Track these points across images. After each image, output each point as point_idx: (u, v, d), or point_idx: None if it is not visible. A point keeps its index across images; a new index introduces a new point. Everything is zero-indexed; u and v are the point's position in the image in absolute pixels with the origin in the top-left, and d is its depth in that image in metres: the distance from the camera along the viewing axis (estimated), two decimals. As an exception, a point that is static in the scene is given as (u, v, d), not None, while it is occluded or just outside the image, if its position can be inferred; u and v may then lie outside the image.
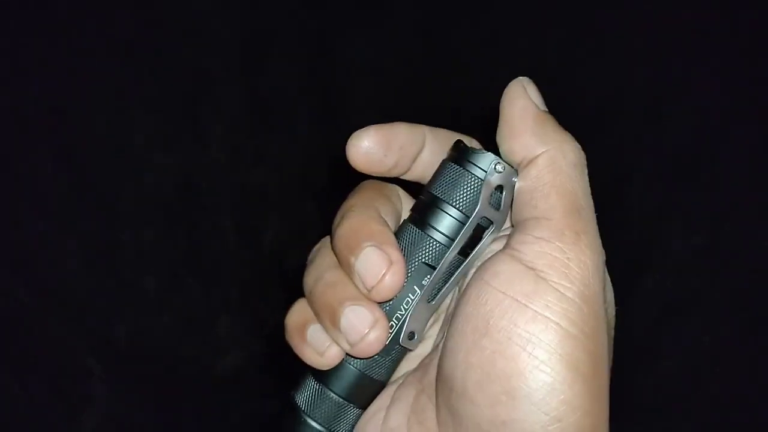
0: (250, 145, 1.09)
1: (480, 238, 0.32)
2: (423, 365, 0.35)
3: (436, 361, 0.34)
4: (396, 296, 0.31)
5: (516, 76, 0.33)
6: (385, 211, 0.33)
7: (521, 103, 0.31)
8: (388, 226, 0.32)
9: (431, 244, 0.32)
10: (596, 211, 0.31)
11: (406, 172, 0.35)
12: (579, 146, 0.31)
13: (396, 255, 0.30)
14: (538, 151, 0.30)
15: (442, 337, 0.35)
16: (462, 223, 0.32)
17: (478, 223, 0.32)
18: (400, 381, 0.35)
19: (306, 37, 1.13)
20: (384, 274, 0.30)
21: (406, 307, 0.32)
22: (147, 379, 0.99)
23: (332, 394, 0.33)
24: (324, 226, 0.35)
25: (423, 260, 0.32)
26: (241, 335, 1.01)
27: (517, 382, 0.27)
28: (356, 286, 0.31)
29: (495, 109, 0.32)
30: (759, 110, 1.06)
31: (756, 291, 1.00)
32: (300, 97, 1.11)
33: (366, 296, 0.31)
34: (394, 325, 0.32)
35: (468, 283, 0.31)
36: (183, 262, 1.04)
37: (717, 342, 1.00)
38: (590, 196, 0.30)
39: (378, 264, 0.30)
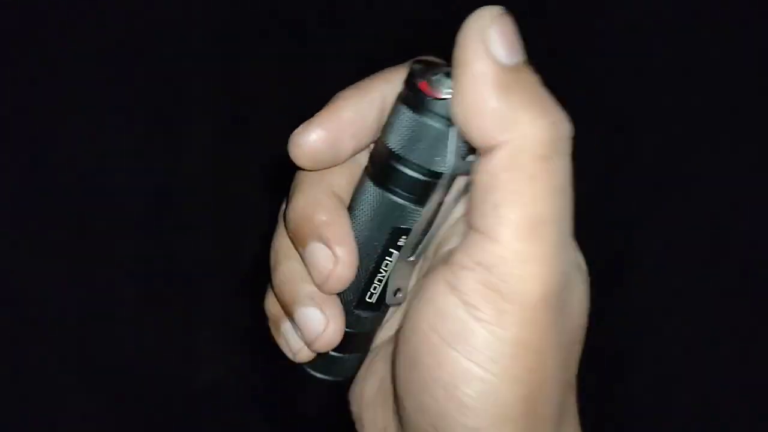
0: (228, 156, 1.09)
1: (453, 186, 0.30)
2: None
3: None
4: (374, 263, 0.30)
5: None
6: (340, 180, 0.29)
7: (478, 68, 0.23)
8: (340, 207, 0.29)
9: (402, 209, 0.29)
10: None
11: (366, 146, 0.30)
12: (557, 121, 0.23)
13: (342, 251, 0.28)
14: (496, 140, 0.23)
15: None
16: (434, 184, 0.29)
17: (450, 178, 0.29)
18: (380, 351, 0.34)
19: (285, 48, 1.13)
20: (329, 274, 0.28)
21: (386, 269, 0.31)
22: (125, 393, 0.98)
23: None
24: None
25: (395, 225, 0.30)
26: (220, 349, 1.01)
27: (443, 422, 0.25)
28: (309, 275, 0.29)
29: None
30: (734, 121, 1.08)
31: (729, 301, 1.02)
32: (279, 108, 1.11)
33: (318, 289, 0.29)
34: (377, 286, 0.31)
35: (410, 303, 0.27)
36: (161, 274, 1.03)
37: (690, 351, 1.02)
38: (564, 193, 0.24)
39: (323, 262, 0.28)
